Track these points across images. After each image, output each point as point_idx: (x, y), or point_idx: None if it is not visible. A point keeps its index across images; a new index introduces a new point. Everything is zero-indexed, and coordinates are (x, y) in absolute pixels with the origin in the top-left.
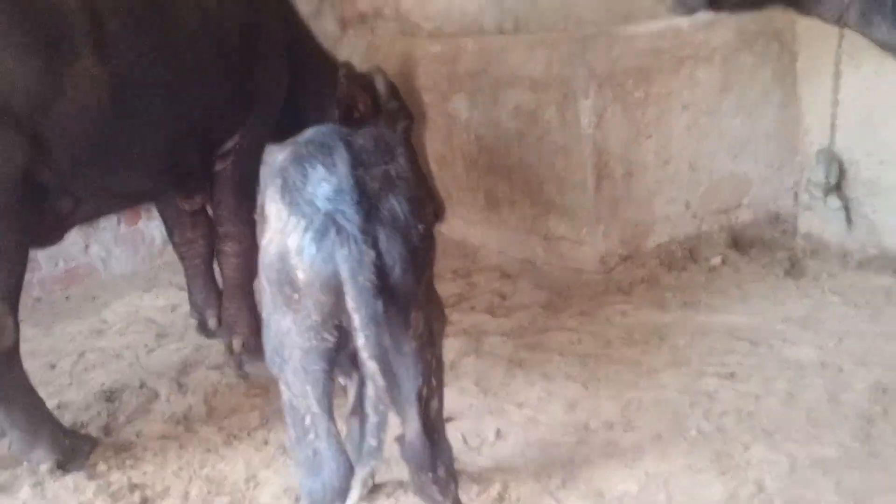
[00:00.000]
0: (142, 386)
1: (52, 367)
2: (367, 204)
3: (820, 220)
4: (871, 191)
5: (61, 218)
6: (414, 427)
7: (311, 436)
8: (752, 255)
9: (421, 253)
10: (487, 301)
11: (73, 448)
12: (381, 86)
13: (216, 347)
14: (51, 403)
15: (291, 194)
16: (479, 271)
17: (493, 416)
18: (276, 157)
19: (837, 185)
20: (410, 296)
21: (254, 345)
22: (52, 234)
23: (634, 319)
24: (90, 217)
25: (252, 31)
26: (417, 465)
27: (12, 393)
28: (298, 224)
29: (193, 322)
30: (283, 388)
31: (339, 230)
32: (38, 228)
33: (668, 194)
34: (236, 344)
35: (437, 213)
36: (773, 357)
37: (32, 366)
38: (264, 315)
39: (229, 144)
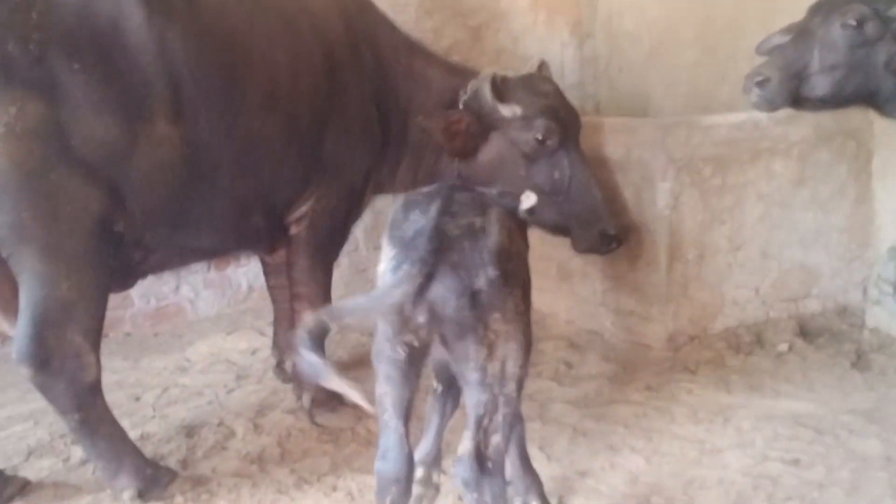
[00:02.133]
0: (220, 424)
1: (137, 399)
2: (438, 243)
3: (888, 316)
4: None
5: (132, 267)
6: (467, 447)
7: (385, 429)
8: (818, 344)
9: (485, 293)
10: (554, 369)
11: (153, 478)
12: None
13: (291, 392)
14: (134, 434)
15: (392, 230)
16: (548, 339)
17: (555, 482)
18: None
19: None
20: (467, 328)
21: (323, 398)
22: (123, 281)
23: (699, 398)
24: (159, 268)
25: (325, 106)
26: (463, 482)
27: (97, 424)
28: (388, 254)
29: (272, 366)
30: (377, 385)
31: (411, 263)
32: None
33: (738, 279)
34: (305, 399)
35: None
36: (838, 447)
37: (119, 397)
38: None
39: (304, 208)
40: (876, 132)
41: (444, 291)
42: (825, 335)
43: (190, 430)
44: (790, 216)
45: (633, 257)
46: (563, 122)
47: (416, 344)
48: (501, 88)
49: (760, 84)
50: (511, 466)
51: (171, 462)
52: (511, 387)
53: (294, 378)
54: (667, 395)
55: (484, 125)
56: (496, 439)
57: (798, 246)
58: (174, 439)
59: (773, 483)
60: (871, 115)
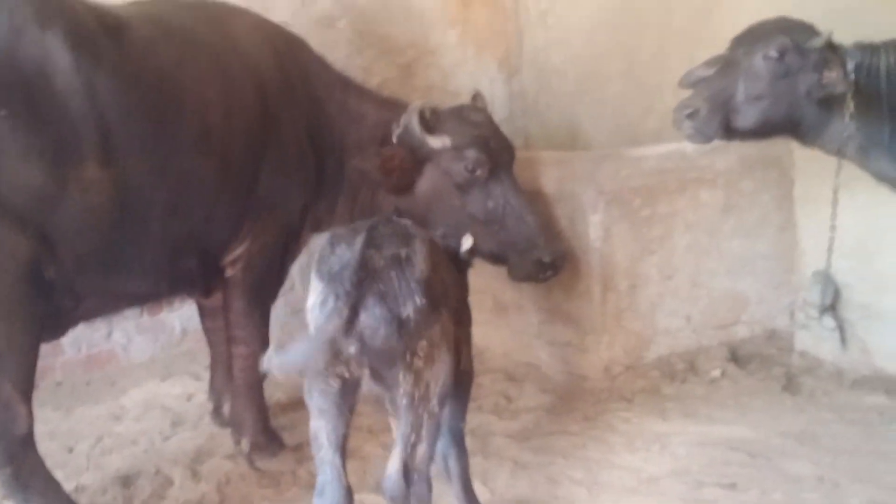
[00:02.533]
0: (157, 472)
1: (71, 450)
2: (364, 275)
3: (815, 339)
4: (865, 314)
5: (63, 314)
6: (395, 465)
7: (322, 464)
8: (749, 369)
9: (413, 321)
10: (493, 402)
11: None
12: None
13: (230, 437)
14: (68, 486)
15: (319, 265)
16: (485, 372)
17: None
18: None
19: (832, 307)
20: (396, 356)
21: (262, 442)
22: (54, 329)
23: (636, 427)
24: (91, 315)
25: (259, 144)
26: (391, 497)
27: (29, 477)
28: (316, 288)
29: (208, 411)
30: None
31: (337, 297)
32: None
33: (670, 308)
34: (244, 444)
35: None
36: (772, 469)
37: (51, 448)
38: None
39: (239, 250)
40: (796, 160)
41: (372, 321)
42: (755, 360)
43: (126, 480)
44: (718, 244)
45: (567, 289)
46: (494, 151)
47: (347, 376)
48: (431, 120)
49: (690, 116)
50: (455, 499)
51: None
52: (433, 402)
53: (232, 423)
54: (604, 424)
55: (417, 158)
56: (422, 449)
57: (726, 273)
58: (110, 490)
59: None
60: (792, 144)
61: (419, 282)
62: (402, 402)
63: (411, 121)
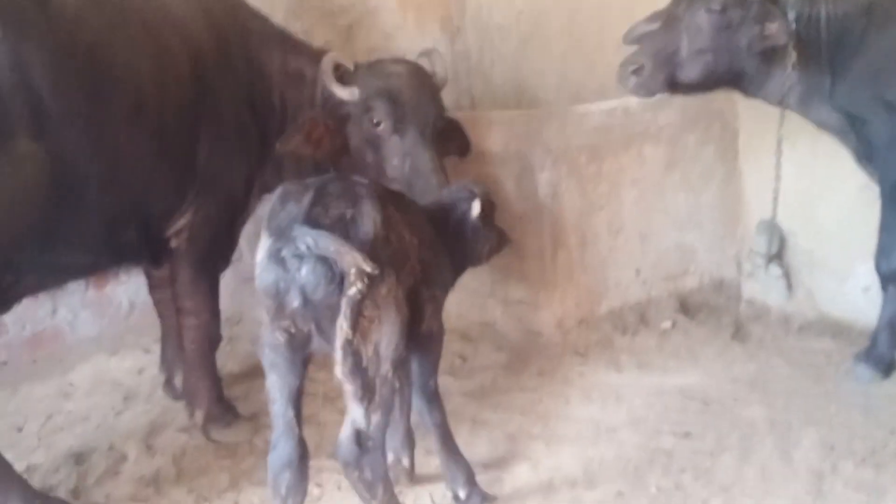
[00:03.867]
0: (110, 448)
1: (20, 429)
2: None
3: (762, 287)
4: (810, 260)
5: (4, 290)
6: (346, 431)
7: (275, 418)
8: (699, 319)
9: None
10: (449, 363)
11: None
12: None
13: (183, 410)
14: (19, 466)
15: (269, 220)
16: None
17: None
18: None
19: (778, 255)
20: (341, 314)
21: (217, 413)
22: None
23: (591, 380)
24: (33, 290)
25: (196, 114)
26: (343, 462)
27: None
28: (265, 243)
29: (160, 384)
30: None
31: (283, 251)
32: None
33: (620, 262)
34: (198, 416)
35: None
36: (725, 416)
37: None
38: None
39: (182, 221)
40: (739, 112)
41: (314, 278)
42: (704, 310)
43: (79, 458)
44: (664, 198)
45: (518, 247)
46: (403, 104)
47: (293, 330)
48: (345, 73)
49: (636, 72)
50: (438, 457)
51: (62, 492)
52: (386, 367)
53: (185, 395)
54: (560, 379)
55: (338, 117)
56: (376, 418)
57: (673, 226)
58: (63, 468)
59: (667, 456)
60: (735, 96)
61: (363, 243)
62: (348, 364)
63: (323, 74)
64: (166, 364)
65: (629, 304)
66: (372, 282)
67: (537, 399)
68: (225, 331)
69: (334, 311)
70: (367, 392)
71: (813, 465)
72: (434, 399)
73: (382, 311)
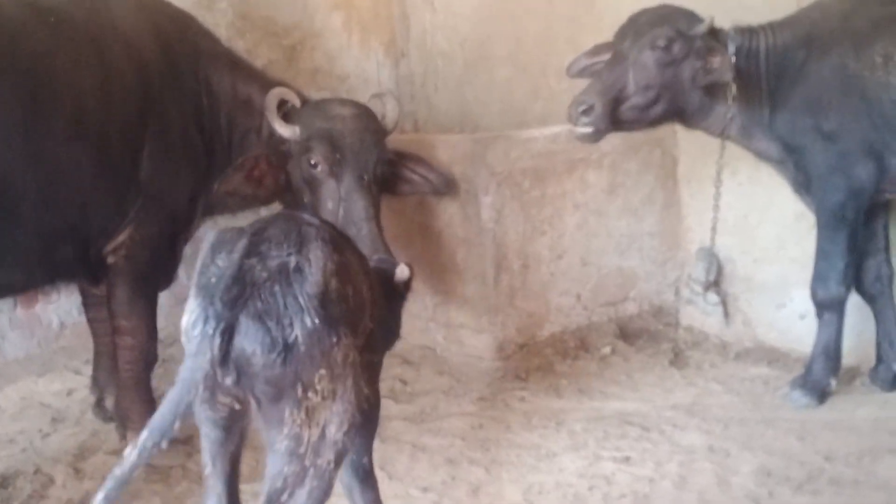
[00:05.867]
0: (36, 472)
1: None
2: (238, 292)
3: (700, 314)
4: (747, 287)
5: None
6: None
7: (207, 485)
8: (639, 345)
9: (304, 347)
10: (390, 387)
11: None
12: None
13: (114, 432)
14: None
15: (198, 277)
16: None
17: (398, 500)
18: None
19: (716, 282)
20: (283, 388)
21: None
22: None
23: (532, 405)
24: None
25: (140, 130)
26: None
27: None
28: (191, 305)
29: (90, 406)
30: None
31: (207, 319)
32: None
33: (561, 287)
34: (130, 437)
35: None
36: (665, 442)
37: None
38: None
39: (121, 238)
40: (679, 140)
41: (246, 347)
42: (644, 336)
43: (4, 481)
44: (605, 224)
45: (460, 271)
46: (342, 148)
47: (236, 406)
48: (291, 110)
49: (586, 112)
50: None
51: None
52: (328, 457)
53: (117, 417)
54: (500, 404)
55: (280, 154)
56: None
57: (614, 252)
58: None
59: (607, 482)
60: (675, 125)
61: (312, 296)
62: (284, 445)
63: (269, 106)
64: (97, 385)
65: (570, 329)
66: (324, 346)
67: (478, 424)
68: (160, 352)
69: (276, 386)
70: (293, 483)
71: (751, 491)
72: (368, 478)
73: (338, 384)
